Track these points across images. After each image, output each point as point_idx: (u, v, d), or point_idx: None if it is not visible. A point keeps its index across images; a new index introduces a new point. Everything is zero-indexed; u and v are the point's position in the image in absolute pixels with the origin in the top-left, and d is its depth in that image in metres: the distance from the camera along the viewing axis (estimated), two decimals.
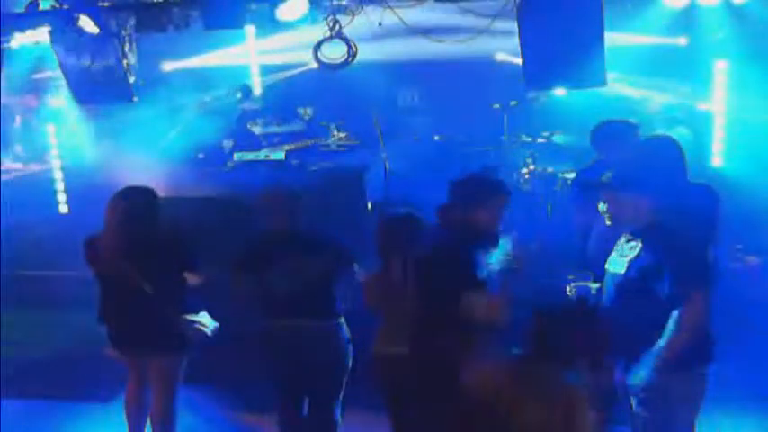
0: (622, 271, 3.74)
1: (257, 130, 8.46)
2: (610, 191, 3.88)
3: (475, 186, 4.01)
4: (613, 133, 5.06)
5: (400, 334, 3.91)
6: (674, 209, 3.71)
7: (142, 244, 4.35)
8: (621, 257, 3.78)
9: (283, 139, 8.37)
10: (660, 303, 3.58)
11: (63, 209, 8.64)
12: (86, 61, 6.00)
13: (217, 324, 4.66)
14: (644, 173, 4.27)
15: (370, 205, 7.05)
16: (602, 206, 4.03)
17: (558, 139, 7.99)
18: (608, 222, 4.00)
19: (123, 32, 6.04)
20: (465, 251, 3.79)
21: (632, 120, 5.48)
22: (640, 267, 3.65)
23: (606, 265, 3.87)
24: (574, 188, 5.57)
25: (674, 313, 3.55)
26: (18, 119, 9.28)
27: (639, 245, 3.69)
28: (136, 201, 4.44)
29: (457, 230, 3.92)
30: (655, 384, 3.62)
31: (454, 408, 3.38)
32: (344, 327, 4.49)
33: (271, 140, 8.34)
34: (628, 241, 3.79)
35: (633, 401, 3.77)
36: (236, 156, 7.48)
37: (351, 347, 4.50)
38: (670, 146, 4.49)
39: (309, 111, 8.59)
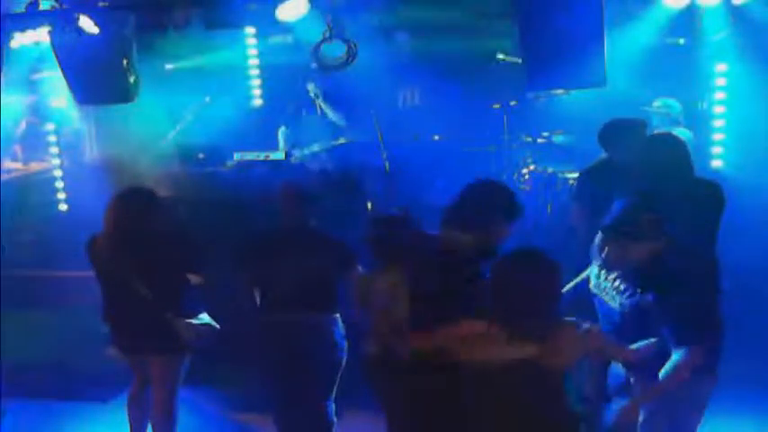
0: (615, 306, 3.59)
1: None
2: (613, 235, 3.54)
3: (499, 203, 3.62)
4: (622, 131, 5.08)
5: (390, 336, 3.73)
6: (680, 211, 3.67)
7: (142, 244, 4.36)
8: (611, 291, 3.61)
9: None
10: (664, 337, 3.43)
11: (63, 208, 8.64)
12: (86, 61, 5.99)
13: (217, 325, 4.66)
14: (649, 172, 4.28)
15: (370, 205, 7.06)
16: (598, 242, 3.70)
17: (557, 139, 7.98)
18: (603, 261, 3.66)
19: (123, 32, 6.02)
20: (463, 262, 3.48)
21: (640, 118, 5.49)
22: (639, 310, 3.48)
23: (592, 286, 3.75)
24: (578, 186, 5.51)
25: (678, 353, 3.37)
26: (18, 119, 9.25)
27: (631, 287, 3.50)
28: (136, 201, 4.45)
29: (459, 238, 3.56)
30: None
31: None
32: (340, 323, 4.51)
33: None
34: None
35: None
36: (236, 156, 7.49)
37: (345, 344, 4.52)
38: (675, 143, 4.48)
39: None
